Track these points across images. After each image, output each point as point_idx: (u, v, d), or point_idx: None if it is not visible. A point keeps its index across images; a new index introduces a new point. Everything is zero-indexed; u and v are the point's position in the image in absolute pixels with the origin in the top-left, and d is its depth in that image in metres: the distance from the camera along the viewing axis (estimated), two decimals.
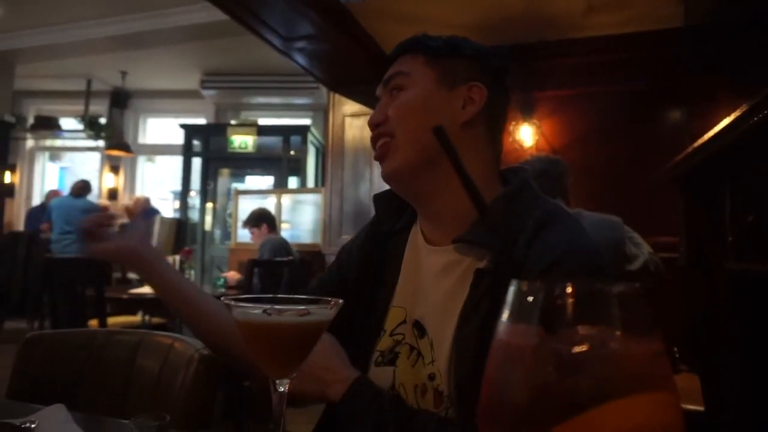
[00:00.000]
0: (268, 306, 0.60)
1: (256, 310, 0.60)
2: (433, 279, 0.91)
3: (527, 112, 4.08)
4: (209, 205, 7.10)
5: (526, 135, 4.05)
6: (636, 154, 3.70)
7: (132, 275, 5.86)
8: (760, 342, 1.45)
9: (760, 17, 3.10)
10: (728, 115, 1.36)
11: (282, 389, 0.61)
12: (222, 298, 0.62)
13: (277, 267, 4.04)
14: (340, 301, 0.63)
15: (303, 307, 0.61)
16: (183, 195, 7.41)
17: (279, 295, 0.65)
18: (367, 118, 0.95)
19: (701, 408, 1.64)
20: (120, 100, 8.30)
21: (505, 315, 0.32)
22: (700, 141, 1.57)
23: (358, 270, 0.98)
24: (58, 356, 1.21)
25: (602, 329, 0.30)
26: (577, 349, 0.29)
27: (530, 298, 0.32)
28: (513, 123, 4.07)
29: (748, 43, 3.24)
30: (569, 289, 0.31)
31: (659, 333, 0.30)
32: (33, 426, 0.70)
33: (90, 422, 0.79)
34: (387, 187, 0.98)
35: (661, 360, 0.29)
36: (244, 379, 2.75)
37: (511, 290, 0.33)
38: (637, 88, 3.85)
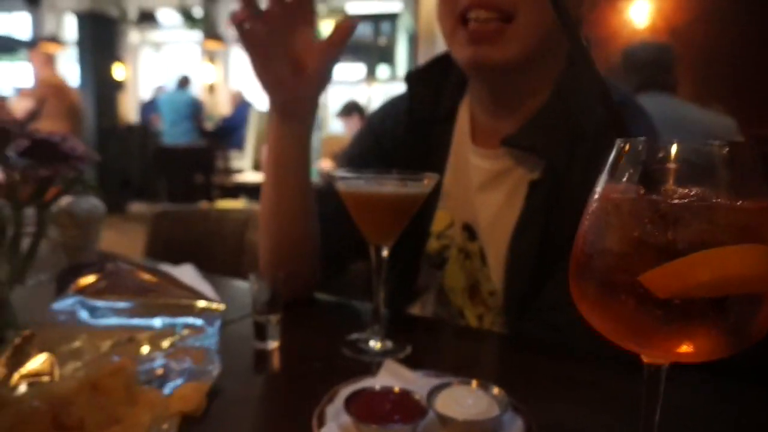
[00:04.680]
0: (369, 176, 0.64)
1: (359, 181, 0.64)
2: (482, 187, 0.83)
3: None
4: None
5: (639, 12, 3.62)
6: None
7: (239, 163, 6.26)
8: None
9: None
10: None
11: (383, 254, 0.67)
12: (328, 172, 0.66)
13: None
14: (437, 175, 0.65)
15: (401, 179, 0.64)
16: None
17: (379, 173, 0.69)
18: None
19: None
20: None
21: (604, 174, 0.33)
22: None
23: (401, 162, 0.84)
24: (180, 229, 1.38)
25: (705, 188, 0.30)
26: (676, 201, 0.29)
27: (630, 157, 0.32)
28: None
29: None
30: (674, 149, 0.31)
31: (765, 192, 0.29)
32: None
33: (214, 279, 0.91)
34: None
35: (765, 215, 0.29)
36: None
37: (614, 150, 0.33)
38: None
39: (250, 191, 4.54)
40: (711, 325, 0.29)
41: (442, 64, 0.88)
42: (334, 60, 0.71)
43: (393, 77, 6.42)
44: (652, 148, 0.32)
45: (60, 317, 0.57)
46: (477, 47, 0.73)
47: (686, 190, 0.30)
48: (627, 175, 0.32)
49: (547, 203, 0.75)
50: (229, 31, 8.57)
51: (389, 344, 0.67)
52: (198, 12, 8.24)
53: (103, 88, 6.88)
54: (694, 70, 2.35)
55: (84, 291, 0.61)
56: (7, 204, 0.62)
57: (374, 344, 0.67)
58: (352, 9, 7.23)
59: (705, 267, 0.27)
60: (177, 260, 1.07)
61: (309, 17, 0.70)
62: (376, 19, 6.98)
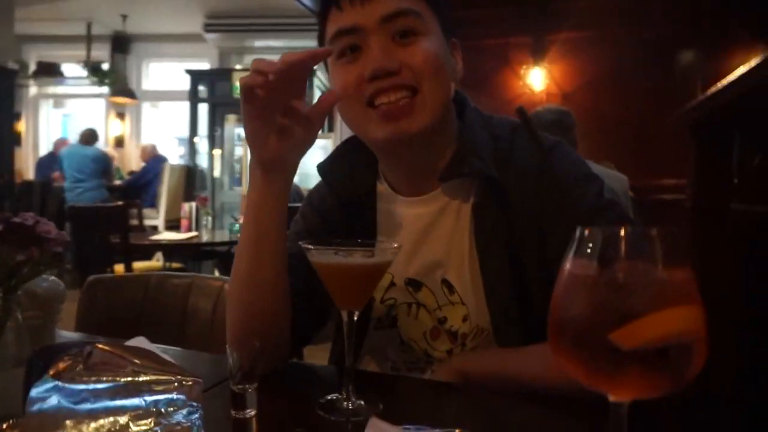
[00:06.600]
0: (338, 248, 0.70)
1: (329, 252, 0.70)
2: (425, 230, 0.90)
3: (538, 55, 4.06)
4: (217, 151, 7.14)
5: (536, 79, 4.05)
6: (647, 97, 3.72)
7: (150, 221, 5.98)
8: (760, 278, 1.55)
9: None
10: (742, 57, 1.39)
11: (354, 317, 0.72)
12: (300, 243, 0.71)
13: (292, 212, 4.14)
14: (401, 245, 0.72)
15: (368, 249, 0.70)
16: (191, 142, 7.44)
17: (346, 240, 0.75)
18: None
19: None
20: (121, 44, 8.16)
21: (570, 252, 0.42)
22: (713, 89, 1.61)
23: (344, 234, 0.91)
24: (118, 297, 1.33)
25: (646, 262, 0.40)
26: (627, 279, 0.38)
27: (590, 240, 0.41)
28: (524, 66, 4.06)
29: None
30: (621, 233, 0.40)
31: (689, 262, 0.39)
32: None
33: (172, 354, 0.90)
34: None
35: (691, 283, 0.39)
36: None
37: (576, 234, 0.42)
38: (650, 31, 3.82)
39: (166, 250, 4.37)
40: (660, 368, 0.37)
41: (346, 150, 0.97)
42: (319, 126, 0.79)
43: (330, 129, 6.51)
44: (606, 233, 0.41)
45: (39, 405, 0.56)
46: (395, 123, 0.81)
47: (633, 265, 0.40)
48: (588, 253, 0.41)
49: (501, 218, 0.83)
50: (140, 88, 8.36)
51: (362, 403, 0.71)
52: (106, 66, 8.00)
53: None
54: (583, 130, 2.67)
55: (61, 375, 0.60)
56: None
57: (348, 404, 0.71)
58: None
59: (654, 326, 0.36)
60: (116, 333, 1.03)
61: (301, 91, 0.77)
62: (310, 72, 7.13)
